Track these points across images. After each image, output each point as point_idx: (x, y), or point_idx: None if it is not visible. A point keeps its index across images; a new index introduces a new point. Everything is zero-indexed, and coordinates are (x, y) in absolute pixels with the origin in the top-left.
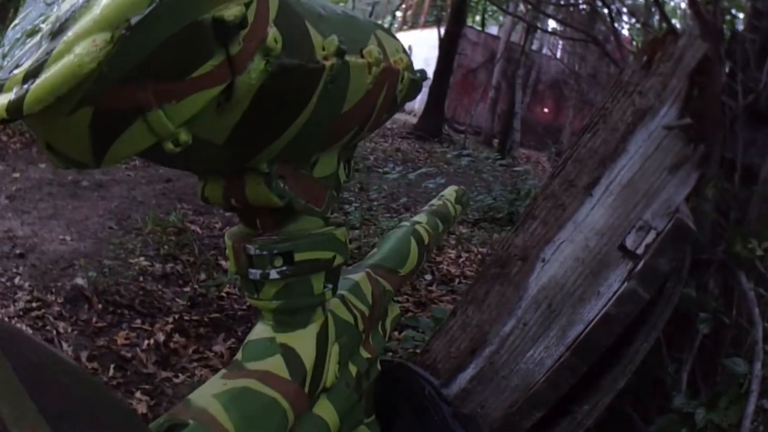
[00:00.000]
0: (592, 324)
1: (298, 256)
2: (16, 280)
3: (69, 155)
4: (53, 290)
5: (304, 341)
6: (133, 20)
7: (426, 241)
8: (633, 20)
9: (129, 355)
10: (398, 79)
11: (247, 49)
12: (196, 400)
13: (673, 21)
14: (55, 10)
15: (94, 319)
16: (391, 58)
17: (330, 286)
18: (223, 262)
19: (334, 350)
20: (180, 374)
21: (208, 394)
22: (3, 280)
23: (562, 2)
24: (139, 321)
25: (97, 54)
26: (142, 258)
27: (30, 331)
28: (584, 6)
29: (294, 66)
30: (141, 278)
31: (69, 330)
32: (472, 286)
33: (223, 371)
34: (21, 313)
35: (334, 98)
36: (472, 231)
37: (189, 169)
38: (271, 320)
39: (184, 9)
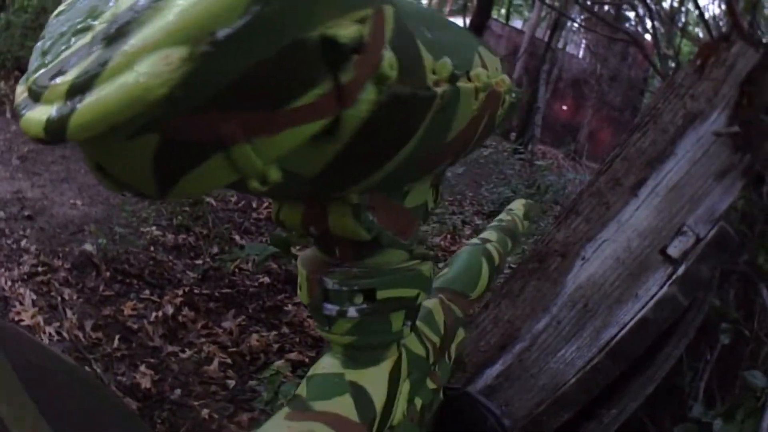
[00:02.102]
0: (627, 327)
1: (381, 294)
2: (23, 243)
3: (125, 182)
4: (60, 255)
5: (375, 380)
6: (220, 34)
7: (496, 263)
8: (657, 23)
9: (135, 326)
10: (500, 103)
11: (360, 77)
12: None
13: (695, 29)
14: (111, 4)
15: (101, 288)
16: (493, 79)
17: (409, 323)
18: (236, 237)
19: (404, 388)
20: (187, 349)
21: None
22: (9, 242)
23: (589, 1)
24: (147, 292)
25: (170, 75)
26: (154, 227)
27: (34, 296)
28: (609, 8)
29: (407, 95)
30: (152, 248)
31: (74, 297)
32: (508, 280)
33: (285, 410)
34: (25, 276)
35: (440, 128)
36: (488, 223)
37: (264, 196)
38: (341, 354)
39: (288, 24)
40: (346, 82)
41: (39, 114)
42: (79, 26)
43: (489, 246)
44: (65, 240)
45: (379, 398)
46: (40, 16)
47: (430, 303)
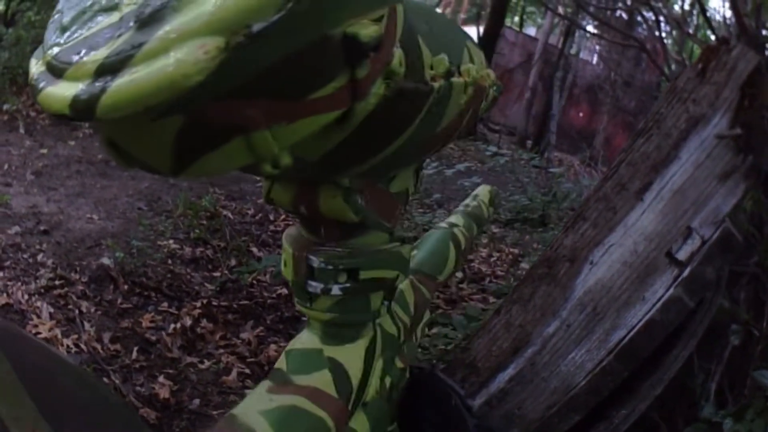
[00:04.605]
0: (635, 329)
1: (364, 274)
2: (39, 257)
3: (140, 159)
4: (78, 269)
5: (352, 356)
6: (256, 27)
7: (463, 246)
8: (668, 28)
9: (154, 338)
10: (484, 97)
11: (373, 73)
12: (243, 418)
13: (705, 32)
14: None
15: (119, 300)
16: (480, 74)
17: (387, 303)
18: (254, 249)
19: (378, 365)
20: (206, 360)
21: (255, 410)
22: (25, 256)
23: (601, 5)
24: (165, 304)
25: (207, 64)
26: (171, 241)
27: (51, 309)
28: (622, 13)
29: (409, 90)
30: (169, 261)
31: (92, 310)
32: (518, 286)
33: (267, 383)
34: (42, 290)
35: (433, 119)
36: (505, 231)
37: (259, 175)
38: (319, 331)
39: (316, 20)
40: (361, 77)
41: (63, 90)
42: (104, 4)
43: (456, 230)
44: (82, 254)
45: (355, 374)
46: None
47: (402, 284)
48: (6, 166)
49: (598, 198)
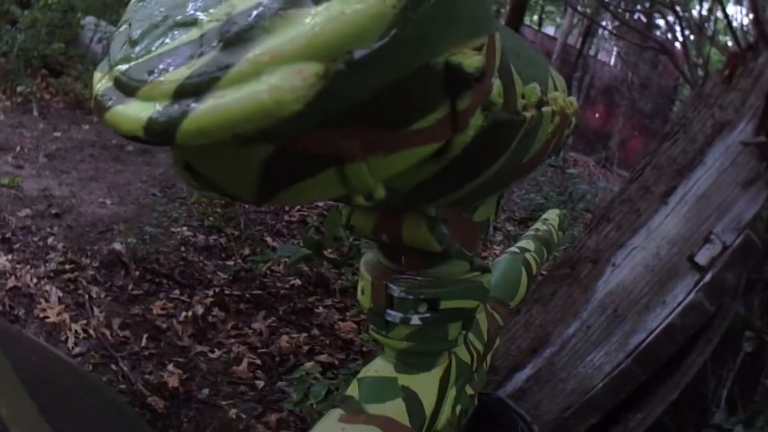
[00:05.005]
0: (655, 333)
1: (444, 304)
2: (50, 240)
3: (219, 185)
4: (89, 253)
5: (426, 386)
6: (357, 54)
7: (534, 272)
8: (686, 32)
9: (164, 325)
10: (567, 125)
11: (473, 105)
12: None
13: (724, 37)
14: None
15: (130, 287)
16: (564, 102)
17: (464, 332)
18: (268, 239)
19: (451, 394)
20: (216, 349)
21: None
22: (36, 239)
23: (620, 9)
24: (177, 291)
25: (304, 92)
26: (185, 228)
27: (60, 294)
28: (641, 15)
29: (504, 120)
30: (182, 248)
31: (102, 295)
32: (539, 286)
33: (338, 411)
34: (52, 274)
35: (522, 150)
36: (520, 229)
37: (347, 204)
38: (394, 359)
39: (419, 48)
40: (462, 109)
41: (136, 110)
42: (180, 19)
43: (527, 255)
44: (94, 238)
45: (428, 404)
46: (68, 14)
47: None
48: (18, 148)
49: (622, 200)
